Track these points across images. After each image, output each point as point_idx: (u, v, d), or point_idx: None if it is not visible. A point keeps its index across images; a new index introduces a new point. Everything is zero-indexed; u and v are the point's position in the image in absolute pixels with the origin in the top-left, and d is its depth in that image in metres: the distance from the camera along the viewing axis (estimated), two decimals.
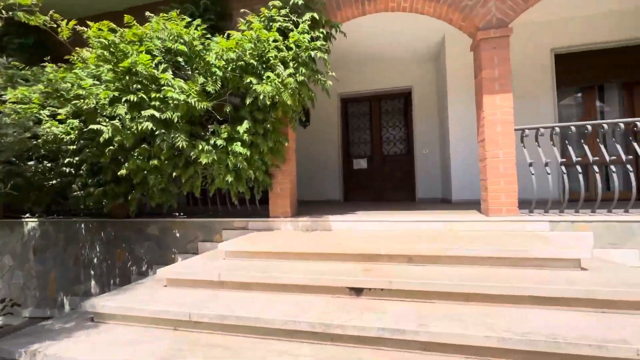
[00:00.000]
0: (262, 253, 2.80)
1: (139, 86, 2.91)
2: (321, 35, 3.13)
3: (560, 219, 3.00)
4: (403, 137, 6.85)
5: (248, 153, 3.15)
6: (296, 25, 3.12)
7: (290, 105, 2.99)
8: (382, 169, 6.90)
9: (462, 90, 5.25)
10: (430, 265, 2.42)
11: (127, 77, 2.91)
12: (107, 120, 2.98)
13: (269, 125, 3.19)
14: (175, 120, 2.88)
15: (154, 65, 2.93)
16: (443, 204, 5.42)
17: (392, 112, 6.94)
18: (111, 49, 2.86)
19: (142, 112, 2.82)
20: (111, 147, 3.18)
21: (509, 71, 3.16)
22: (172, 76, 2.99)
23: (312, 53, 2.99)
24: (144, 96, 2.86)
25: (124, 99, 2.84)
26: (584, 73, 4.95)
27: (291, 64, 2.95)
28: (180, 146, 2.97)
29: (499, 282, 1.97)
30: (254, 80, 2.86)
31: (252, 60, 2.89)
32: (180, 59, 3.19)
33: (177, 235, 4.04)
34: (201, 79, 2.89)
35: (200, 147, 2.99)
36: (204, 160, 2.92)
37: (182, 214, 4.15)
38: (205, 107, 2.92)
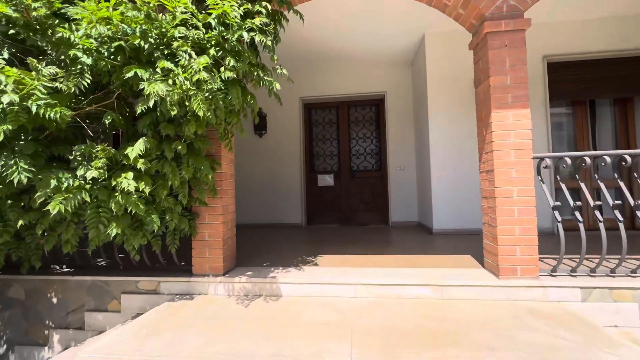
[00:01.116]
0: None
1: None
2: (263, 11, 2.05)
3: (595, 285, 2.17)
4: (375, 151, 5.95)
5: (147, 189, 1.98)
6: None
7: (209, 117, 1.86)
8: (351, 186, 5.94)
9: (446, 99, 4.43)
10: None
11: None
12: None
13: (180, 148, 2.03)
14: (2, 137, 1.65)
15: None
16: (422, 233, 4.56)
17: (362, 121, 6.02)
18: None
19: None
20: None
21: (525, 78, 2.31)
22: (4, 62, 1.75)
23: (247, 35, 1.89)
24: None
25: None
26: (582, 84, 4.34)
27: (212, 51, 1.83)
28: (16, 180, 1.74)
29: None
30: (145, 75, 1.71)
31: (140, 41, 1.72)
32: (33, 36, 1.96)
33: (54, 301, 2.72)
34: (46, 70, 1.67)
35: (54, 182, 1.76)
36: (54, 207, 1.70)
37: (64, 267, 2.83)
38: (60, 116, 1.71)
